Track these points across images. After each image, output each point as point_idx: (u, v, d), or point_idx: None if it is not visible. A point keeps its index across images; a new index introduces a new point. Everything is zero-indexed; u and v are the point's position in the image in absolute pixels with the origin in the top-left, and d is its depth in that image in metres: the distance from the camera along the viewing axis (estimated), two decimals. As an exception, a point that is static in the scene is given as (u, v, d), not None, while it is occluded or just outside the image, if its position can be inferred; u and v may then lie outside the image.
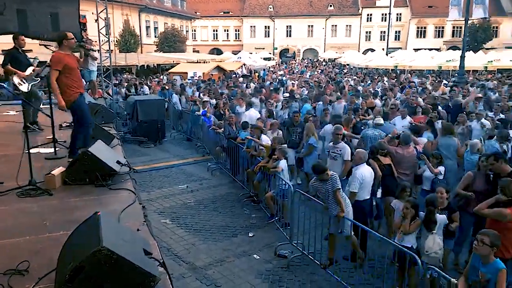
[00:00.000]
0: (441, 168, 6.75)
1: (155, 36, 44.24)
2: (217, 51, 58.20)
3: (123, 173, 5.23)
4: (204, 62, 33.20)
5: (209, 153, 12.51)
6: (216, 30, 63.47)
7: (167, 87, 18.62)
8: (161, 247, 6.76)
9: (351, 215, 5.95)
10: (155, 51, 40.23)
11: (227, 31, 63.47)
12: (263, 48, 57.20)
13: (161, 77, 25.50)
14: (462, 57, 21.79)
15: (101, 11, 15.09)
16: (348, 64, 40.03)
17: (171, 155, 12.91)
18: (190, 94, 17.20)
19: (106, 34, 15.55)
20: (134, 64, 27.06)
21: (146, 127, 13.73)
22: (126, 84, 19.75)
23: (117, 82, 19.52)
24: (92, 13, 16.17)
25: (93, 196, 4.59)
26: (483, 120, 9.45)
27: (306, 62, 49.90)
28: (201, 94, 16.11)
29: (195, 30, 61.59)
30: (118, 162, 5.21)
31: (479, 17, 29.12)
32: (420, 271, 4.40)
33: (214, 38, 63.63)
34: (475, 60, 30.40)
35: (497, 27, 53.22)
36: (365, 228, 5.67)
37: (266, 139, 8.65)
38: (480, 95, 14.77)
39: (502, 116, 10.44)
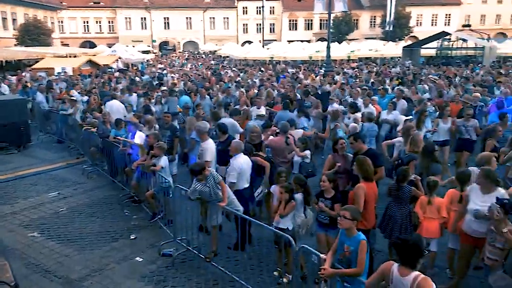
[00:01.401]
0: (307, 152, 7.23)
1: (14, 29, 39.44)
2: (90, 44, 54.26)
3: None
4: (74, 57, 30.65)
5: (83, 155, 11.60)
6: (87, 22, 59.04)
7: (29, 85, 16.73)
8: (28, 264, 6.13)
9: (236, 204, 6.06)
10: (15, 45, 35.91)
11: (100, 22, 59.47)
12: (141, 41, 55.01)
13: (23, 73, 22.82)
14: (328, 48, 23.67)
15: None
16: (228, 56, 40.67)
17: (39, 160, 11.66)
18: (58, 91, 15.73)
19: None
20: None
21: (5, 130, 12.15)
22: (-22, 84, 17.26)
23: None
24: None
25: None
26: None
27: (187, 55, 49.38)
28: (74, 91, 14.78)
29: (62, 22, 56.51)
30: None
31: (340, 11, 31.87)
32: (294, 250, 4.64)
33: (85, 31, 59.11)
34: (340, 50, 33.41)
35: (357, 20, 59.06)
36: (243, 216, 5.77)
37: (141, 136, 8.28)
38: (344, 81, 16.30)
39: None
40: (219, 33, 60.99)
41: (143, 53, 41.66)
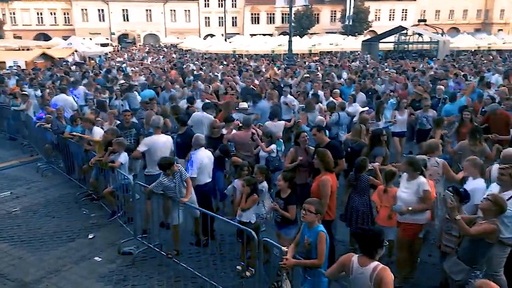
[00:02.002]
0: (273, 146, 7.24)
1: (-41, 21, 37.14)
2: (44, 36, 51.86)
3: None
4: (27, 50, 29.20)
5: (38, 153, 11.09)
6: (41, 13, 56.36)
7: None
8: (-23, 269, 5.79)
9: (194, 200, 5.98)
10: (-39, 37, 33.82)
11: (54, 14, 56.95)
12: (99, 33, 53.07)
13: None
14: (290, 42, 23.81)
15: None
16: (190, 50, 40.09)
17: (-11, 158, 11.06)
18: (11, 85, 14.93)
19: None
20: None
21: (-50, 128, 11.44)
22: None
23: None
24: None
25: None
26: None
27: (148, 48, 48.26)
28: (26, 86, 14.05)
29: (14, 13, 53.75)
30: None
31: (301, 5, 32.17)
32: (256, 243, 4.63)
33: (39, 22, 56.43)
34: (301, 44, 33.69)
35: (318, 14, 59.75)
36: (204, 211, 5.69)
37: (99, 132, 7.99)
38: (308, 75, 16.45)
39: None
40: (180, 26, 59.96)
41: (101, 46, 40.28)
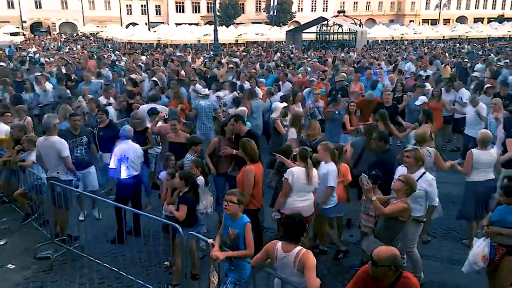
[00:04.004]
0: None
1: None
2: None
3: None
4: None
5: None
6: None
7: None
8: None
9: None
10: None
11: (-48, 0, 51.11)
12: (8, 22, 48.64)
13: None
14: (215, 31, 23.59)
15: None
16: (111, 39, 38.17)
17: None
18: None
19: None
20: None
21: None
22: None
23: None
24: None
25: None
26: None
27: (64, 37, 45.14)
28: None
29: None
30: None
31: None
32: (183, 237, 4.54)
33: None
34: (227, 34, 33.58)
35: (243, 4, 59.89)
36: (119, 205, 5.48)
37: (5, 129, 7.28)
38: (232, 65, 16.42)
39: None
40: (100, 14, 56.83)
41: (11, 35, 36.93)
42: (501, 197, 4.33)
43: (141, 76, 13.01)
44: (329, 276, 5.41)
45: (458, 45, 33.10)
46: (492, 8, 70.59)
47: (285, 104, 8.44)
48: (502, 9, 70.14)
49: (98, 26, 51.28)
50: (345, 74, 12.43)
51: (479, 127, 8.15)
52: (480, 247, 4.35)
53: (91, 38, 44.54)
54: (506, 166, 6.19)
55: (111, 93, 10.34)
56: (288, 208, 5.10)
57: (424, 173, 5.03)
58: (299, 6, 62.54)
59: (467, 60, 17.88)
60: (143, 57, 21.27)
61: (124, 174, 6.15)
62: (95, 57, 20.78)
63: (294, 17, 56.44)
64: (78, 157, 6.48)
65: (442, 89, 10.32)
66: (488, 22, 51.64)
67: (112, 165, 6.04)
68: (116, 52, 24.69)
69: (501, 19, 53.44)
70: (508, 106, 8.41)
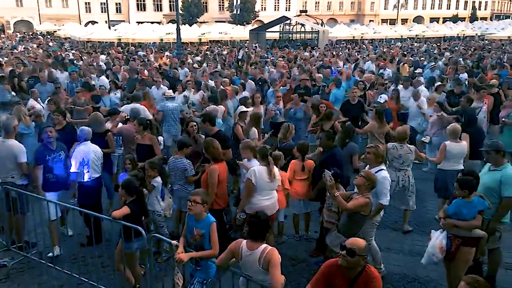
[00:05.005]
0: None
1: None
2: None
3: None
4: None
5: None
6: None
7: None
8: None
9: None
10: None
11: None
12: (-45, 19, 46.18)
13: None
14: (178, 30, 23.31)
15: None
16: (69, 38, 36.90)
17: None
18: None
19: None
20: None
21: None
22: None
23: None
24: None
25: None
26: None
27: (20, 36, 43.20)
28: None
29: None
30: None
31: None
32: (146, 239, 4.46)
33: None
34: (191, 33, 33.28)
35: (206, 3, 59.48)
36: (83, 210, 5.32)
37: None
38: (196, 65, 16.28)
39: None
40: (57, 12, 54.85)
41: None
42: (457, 191, 4.50)
43: (90, 80, 12.41)
44: (294, 273, 5.47)
45: (415, 44, 34.31)
46: (447, 8, 73.69)
47: (244, 108, 8.15)
48: (456, 9, 73.39)
49: (55, 25, 49.42)
50: (321, 75, 12.51)
51: (420, 119, 9.22)
52: (438, 239, 4.52)
53: (48, 37, 42.87)
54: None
55: (62, 95, 9.89)
56: (253, 208, 5.12)
57: (380, 170, 5.18)
58: (262, 5, 62.77)
59: (423, 58, 18.56)
60: (103, 56, 20.69)
61: (86, 177, 5.97)
62: (52, 56, 20.02)
63: (258, 16, 56.59)
64: (59, 176, 5.82)
65: (401, 86, 10.68)
66: (443, 22, 53.78)
67: (73, 169, 5.82)
68: (73, 52, 23.84)
69: (455, 19, 55.92)
70: (458, 104, 8.82)
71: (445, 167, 6.37)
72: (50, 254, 5.63)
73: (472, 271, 4.26)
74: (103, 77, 12.79)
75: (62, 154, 5.96)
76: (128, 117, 7.73)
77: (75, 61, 18.30)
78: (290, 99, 9.91)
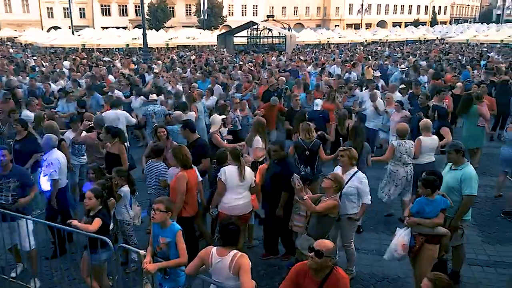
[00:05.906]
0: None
1: None
2: None
3: None
4: None
5: None
6: None
7: None
8: None
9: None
10: None
11: None
12: None
13: None
14: (144, 35, 23.03)
15: None
16: (31, 44, 35.73)
17: None
18: None
19: None
20: None
21: None
22: None
23: None
24: None
25: None
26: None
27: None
28: None
29: None
30: None
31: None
32: (113, 250, 4.36)
33: None
34: (158, 38, 32.92)
35: (173, 8, 59.02)
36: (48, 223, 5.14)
37: None
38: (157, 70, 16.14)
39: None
40: (17, 18, 52.92)
41: None
42: (420, 189, 4.63)
43: (49, 87, 12.01)
44: (265, 277, 5.48)
45: (379, 48, 35.24)
46: (409, 13, 76.15)
47: (223, 116, 8.05)
48: (417, 14, 75.98)
49: (16, 30, 47.70)
50: (284, 78, 12.59)
51: (378, 120, 9.45)
52: (401, 236, 4.66)
53: (8, 43, 41.34)
54: (443, 151, 6.77)
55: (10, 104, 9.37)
56: (226, 207, 5.24)
57: (357, 171, 5.26)
58: (229, 10, 62.88)
59: (387, 62, 19.10)
60: (66, 63, 20.15)
61: (61, 183, 5.81)
62: (13, 62, 19.33)
63: (225, 21, 56.61)
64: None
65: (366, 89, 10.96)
66: (405, 26, 55.51)
67: (55, 176, 5.63)
68: (34, 58, 23.08)
69: (416, 23, 57.89)
70: (419, 105, 9.10)
71: (422, 161, 6.64)
72: (13, 275, 5.39)
73: (437, 268, 4.39)
74: (61, 81, 12.57)
75: (13, 183, 5.03)
76: (92, 125, 7.55)
77: (37, 68, 17.73)
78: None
